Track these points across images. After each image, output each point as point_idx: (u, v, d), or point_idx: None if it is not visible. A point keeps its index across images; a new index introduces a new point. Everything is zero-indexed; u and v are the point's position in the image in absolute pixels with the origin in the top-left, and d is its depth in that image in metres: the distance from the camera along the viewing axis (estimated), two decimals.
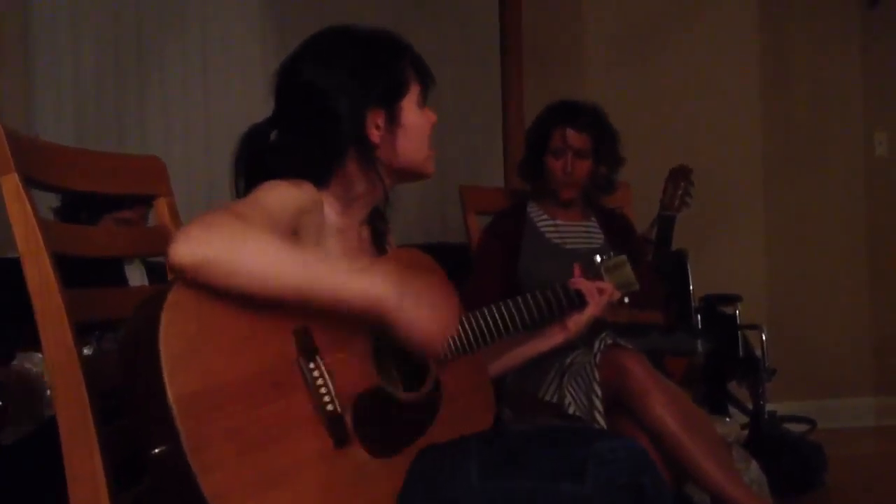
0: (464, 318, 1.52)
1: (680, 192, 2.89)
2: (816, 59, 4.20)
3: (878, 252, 4.24)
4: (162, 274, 2.11)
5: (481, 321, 1.57)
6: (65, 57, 3.46)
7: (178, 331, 1.10)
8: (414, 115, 1.45)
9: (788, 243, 4.16)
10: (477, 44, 3.83)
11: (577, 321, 1.74)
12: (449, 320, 1.26)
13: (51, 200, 2.46)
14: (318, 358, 1.23)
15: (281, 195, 1.33)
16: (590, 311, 1.74)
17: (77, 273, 1.35)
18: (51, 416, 1.95)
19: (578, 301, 1.73)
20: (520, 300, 1.65)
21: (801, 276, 4.16)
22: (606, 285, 1.76)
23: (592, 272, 1.78)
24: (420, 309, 1.22)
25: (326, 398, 1.22)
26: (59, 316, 1.21)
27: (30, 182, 1.23)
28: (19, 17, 3.39)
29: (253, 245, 1.16)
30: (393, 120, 1.42)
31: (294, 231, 1.35)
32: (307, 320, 1.23)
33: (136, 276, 2.58)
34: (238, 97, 3.61)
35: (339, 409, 1.23)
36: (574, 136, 2.46)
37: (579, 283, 1.73)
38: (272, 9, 3.67)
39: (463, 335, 1.51)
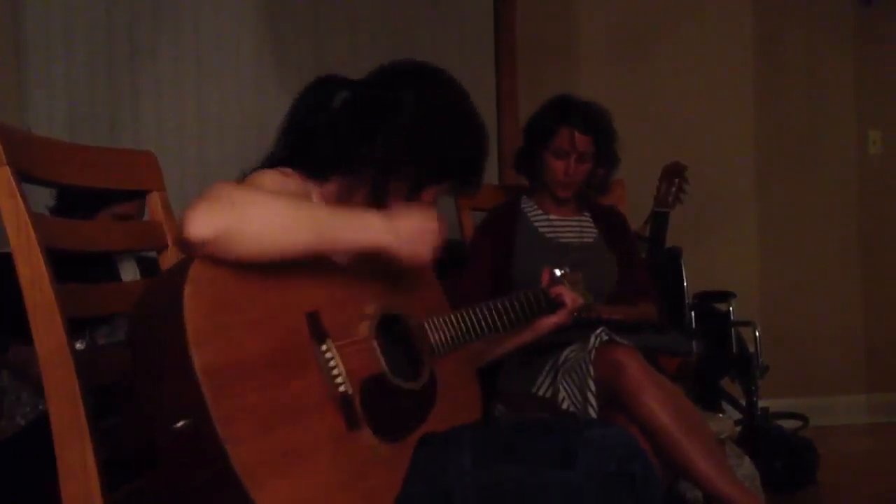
0: (457, 315, 1.55)
1: (674, 188, 2.90)
2: (810, 57, 4.20)
3: (870, 249, 4.25)
4: (154, 268, 2.11)
5: (475, 318, 1.60)
6: (57, 51, 3.44)
7: (201, 304, 1.11)
8: (430, 199, 1.48)
9: (782, 240, 4.17)
10: (471, 41, 3.82)
11: (546, 324, 1.81)
12: (434, 239, 1.36)
13: (46, 200, 2.45)
14: (329, 340, 1.25)
15: (270, 182, 1.36)
16: (559, 318, 1.81)
17: (69, 268, 1.35)
18: (44, 410, 1.95)
19: (554, 307, 1.81)
20: (506, 301, 1.70)
21: (794, 273, 4.17)
22: (580, 301, 1.85)
23: (556, 282, 1.86)
24: (412, 242, 1.32)
25: (339, 379, 1.23)
26: (51, 310, 1.21)
27: (22, 176, 1.23)
28: (11, 11, 3.37)
29: (261, 207, 1.18)
30: (413, 193, 1.45)
31: None
32: (317, 304, 1.25)
33: (128, 271, 2.57)
34: (231, 92, 3.60)
35: (350, 391, 1.24)
36: (581, 140, 2.43)
37: (563, 292, 1.81)
38: (266, 5, 3.66)
39: (456, 331, 1.53)
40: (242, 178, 1.41)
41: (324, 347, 1.24)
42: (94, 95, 3.47)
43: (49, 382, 1.21)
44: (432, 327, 1.48)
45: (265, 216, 1.17)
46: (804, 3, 4.19)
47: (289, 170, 1.43)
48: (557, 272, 1.87)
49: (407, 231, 1.31)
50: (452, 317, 1.53)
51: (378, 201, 1.42)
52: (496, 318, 1.65)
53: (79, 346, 2.13)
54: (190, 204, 1.16)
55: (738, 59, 4.13)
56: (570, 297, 1.81)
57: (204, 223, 1.13)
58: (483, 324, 1.61)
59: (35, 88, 3.41)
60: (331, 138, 1.44)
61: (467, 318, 1.58)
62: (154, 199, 1.58)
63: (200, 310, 1.10)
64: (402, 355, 1.43)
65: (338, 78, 1.49)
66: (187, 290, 1.10)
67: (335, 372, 1.23)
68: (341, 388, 1.23)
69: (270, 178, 1.38)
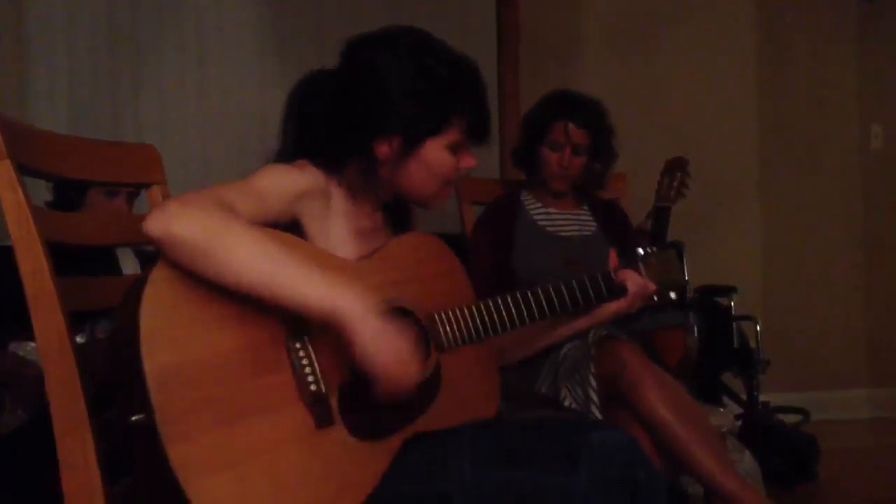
0: (472, 308, 1.48)
1: (676, 183, 2.89)
2: (813, 52, 4.19)
3: (873, 244, 4.25)
4: (154, 263, 2.10)
5: (492, 310, 1.51)
6: (59, 45, 3.44)
7: (157, 305, 1.13)
8: (435, 154, 1.43)
9: (784, 235, 4.16)
10: (473, 35, 3.81)
11: (607, 310, 1.71)
12: (407, 368, 1.23)
13: (45, 195, 2.46)
14: (305, 339, 1.24)
15: (278, 179, 1.33)
16: (623, 304, 1.69)
17: (70, 261, 1.35)
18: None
19: (619, 293, 1.68)
20: (551, 288, 1.58)
21: (796, 267, 4.16)
22: (653, 287, 1.72)
23: (630, 263, 1.72)
24: (381, 344, 1.19)
25: (310, 378, 1.23)
26: (52, 303, 1.21)
27: (23, 169, 1.23)
28: (14, 4, 3.37)
29: (225, 237, 1.16)
30: (408, 149, 1.41)
31: (294, 216, 1.36)
32: None
33: (128, 265, 2.57)
34: (234, 86, 3.60)
35: (323, 389, 1.24)
36: (575, 132, 2.44)
37: (629, 276, 1.68)
38: None
39: (469, 324, 1.46)
40: (279, 160, 1.40)
41: (298, 345, 1.23)
42: (96, 89, 3.47)
43: (49, 376, 1.21)
44: (443, 320, 1.43)
45: (218, 240, 1.15)
46: None
47: (304, 162, 1.41)
48: (641, 251, 1.71)
49: (382, 329, 1.19)
50: (470, 310, 1.47)
51: (369, 177, 1.41)
52: (521, 311, 1.53)
53: (79, 339, 2.13)
54: (165, 200, 1.20)
55: (741, 53, 4.12)
56: (636, 283, 1.67)
57: (162, 224, 1.15)
58: (507, 317, 1.50)
59: (37, 82, 3.41)
60: (330, 128, 1.43)
61: (487, 312, 1.49)
62: (155, 193, 1.58)
63: (155, 309, 1.13)
64: None
65: (319, 72, 1.48)
66: (146, 292, 1.13)
67: (307, 370, 1.23)
68: (312, 387, 1.23)
69: (277, 175, 1.34)
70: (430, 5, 3.73)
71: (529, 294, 1.55)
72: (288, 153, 1.45)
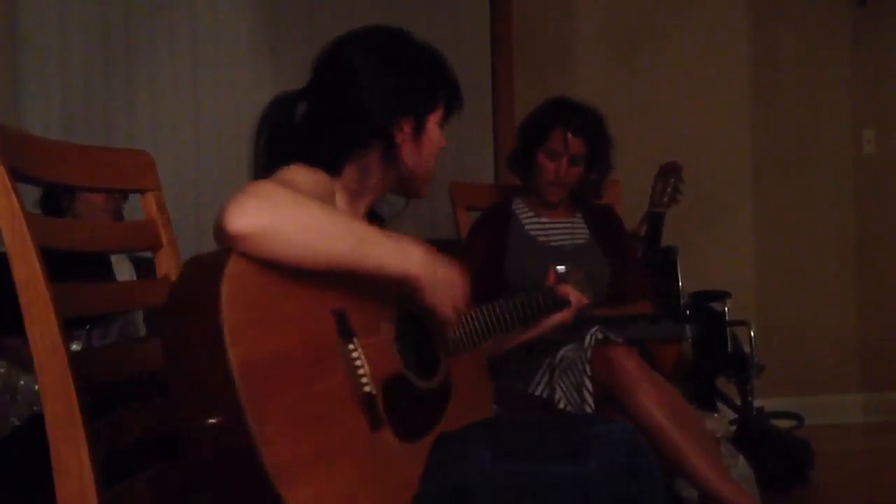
0: (472, 314, 1.58)
1: (669, 188, 2.90)
2: (806, 57, 4.21)
3: (866, 249, 4.26)
4: (149, 269, 2.10)
5: (490, 316, 1.63)
6: (52, 50, 3.44)
7: (238, 301, 1.09)
8: (434, 132, 1.51)
9: (777, 240, 4.17)
10: (468, 39, 3.83)
11: (552, 322, 1.85)
12: (460, 297, 1.38)
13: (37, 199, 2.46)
14: (355, 340, 1.24)
15: (302, 179, 1.35)
16: (563, 316, 1.84)
17: (64, 268, 1.35)
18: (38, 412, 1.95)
19: (561, 305, 1.83)
20: (517, 300, 1.72)
21: (789, 273, 4.17)
22: (586, 300, 1.88)
23: (562, 279, 1.89)
24: (443, 286, 1.33)
25: (364, 379, 1.23)
26: (46, 310, 1.20)
27: (16, 175, 1.22)
28: (7, 9, 3.37)
29: (305, 213, 1.18)
30: (419, 129, 1.47)
31: None
32: (343, 302, 1.25)
33: (123, 271, 2.57)
34: (227, 91, 3.60)
35: (374, 391, 1.24)
36: (573, 142, 2.43)
37: (570, 291, 1.83)
38: (262, 2, 3.66)
39: (472, 330, 1.56)
40: (266, 175, 1.40)
41: (350, 346, 1.23)
42: (90, 93, 3.47)
43: (44, 382, 1.21)
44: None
45: (305, 221, 1.18)
46: (800, 2, 4.20)
47: (313, 168, 1.42)
48: (560, 269, 1.90)
49: (443, 275, 1.34)
50: (470, 316, 1.55)
51: (392, 163, 1.45)
52: (508, 316, 1.68)
53: (75, 347, 2.13)
54: (232, 195, 1.15)
55: (735, 58, 4.13)
56: (576, 296, 1.83)
57: (245, 217, 1.13)
58: (497, 322, 1.64)
59: (30, 86, 3.41)
60: (319, 137, 1.45)
61: (482, 317, 1.60)
62: (149, 199, 1.57)
63: (237, 306, 1.09)
64: (419, 354, 1.43)
65: (284, 92, 1.51)
66: (225, 287, 1.09)
67: (361, 372, 1.23)
68: (366, 389, 1.23)
69: (302, 175, 1.36)
70: (423, 9, 3.74)
71: (513, 304, 1.69)
72: (272, 167, 1.44)
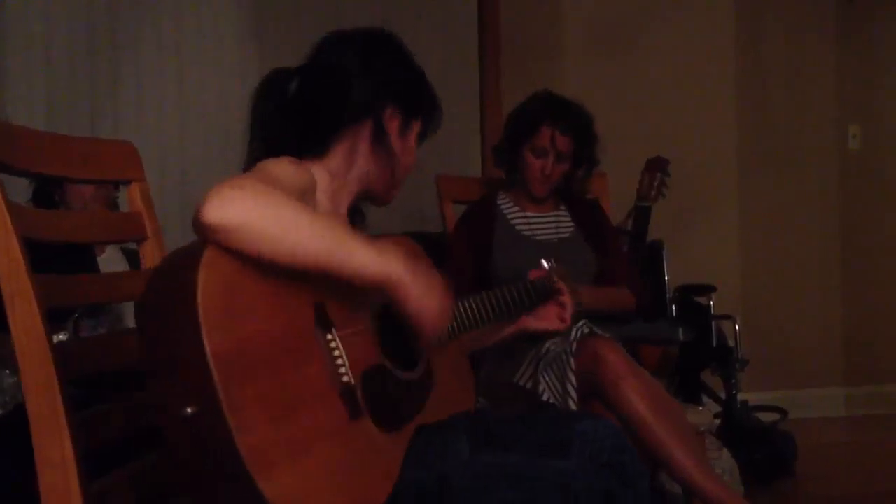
0: (458, 305, 1.58)
1: (656, 182, 2.91)
2: (792, 52, 4.22)
3: (850, 244, 4.28)
4: (136, 261, 2.09)
5: (473, 309, 1.63)
6: (36, 40, 3.41)
7: (214, 290, 1.09)
8: (412, 141, 1.53)
9: (762, 235, 4.19)
10: (455, 34, 3.82)
11: (543, 325, 1.90)
12: (447, 308, 1.34)
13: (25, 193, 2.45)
14: (333, 330, 1.25)
15: (287, 172, 1.34)
16: (556, 327, 1.90)
17: (47, 258, 1.34)
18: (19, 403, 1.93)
19: (551, 294, 1.85)
20: (506, 293, 1.72)
21: (774, 267, 4.20)
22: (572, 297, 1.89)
23: (550, 275, 1.89)
24: (427, 297, 1.29)
25: (342, 369, 1.24)
26: (29, 301, 1.19)
27: None
28: None
29: (285, 213, 1.17)
30: (406, 127, 1.49)
31: None
32: (322, 294, 1.25)
33: (116, 263, 2.56)
34: (213, 81, 3.58)
35: (353, 381, 1.25)
36: (561, 140, 2.43)
37: (564, 288, 1.85)
38: None
39: (455, 322, 1.56)
40: (248, 167, 1.40)
41: (328, 337, 1.24)
42: (74, 84, 3.44)
43: (26, 374, 1.20)
44: None
45: (284, 222, 1.16)
46: None
47: (294, 159, 1.41)
48: (545, 264, 1.89)
49: (426, 283, 1.29)
50: (455, 307, 1.56)
51: (383, 149, 1.46)
52: (494, 309, 1.67)
53: (61, 337, 2.12)
54: (214, 186, 1.14)
55: (721, 53, 4.14)
56: (569, 298, 1.85)
57: (224, 210, 1.12)
58: (481, 315, 1.63)
59: (14, 77, 3.38)
60: (310, 112, 1.46)
61: (466, 309, 1.60)
62: (134, 190, 1.57)
63: (213, 296, 1.08)
64: (400, 345, 1.43)
65: (280, 67, 1.50)
66: (201, 275, 1.08)
67: (339, 362, 1.24)
68: (344, 378, 1.23)
69: (283, 167, 1.35)
70: (411, 3, 3.73)
71: (497, 295, 1.68)
72: (263, 152, 1.45)
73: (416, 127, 1.52)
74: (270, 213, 1.15)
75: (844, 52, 4.26)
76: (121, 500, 1.33)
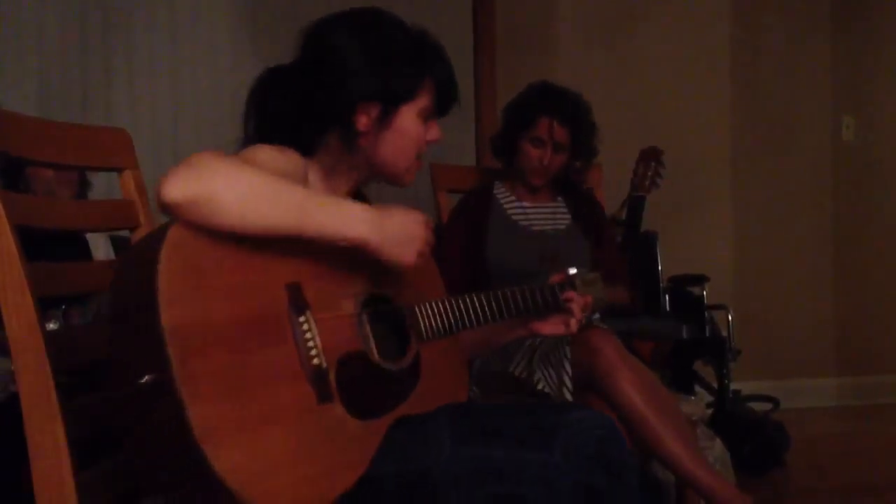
0: (450, 302, 1.53)
1: (650, 173, 2.91)
2: (786, 44, 4.23)
3: (842, 235, 4.30)
4: (126, 247, 2.08)
5: (470, 307, 1.56)
6: (28, 26, 3.38)
7: (175, 267, 1.11)
8: (410, 123, 1.47)
9: (755, 225, 4.20)
10: (450, 23, 3.80)
11: (547, 330, 1.74)
12: (419, 243, 1.35)
13: None
14: (307, 313, 1.24)
15: (268, 157, 1.34)
16: (564, 331, 1.73)
17: (40, 246, 1.33)
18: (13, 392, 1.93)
19: (555, 308, 1.70)
20: (508, 293, 1.63)
21: (767, 257, 4.21)
22: (589, 300, 1.73)
23: (569, 283, 1.73)
24: (397, 246, 1.30)
25: (313, 352, 1.23)
26: (22, 289, 1.19)
27: None
28: None
29: (236, 179, 1.18)
30: (385, 118, 1.45)
31: None
32: (299, 276, 1.25)
33: (101, 250, 2.55)
34: (206, 70, 3.56)
35: (324, 364, 1.24)
36: (559, 130, 2.42)
37: (573, 296, 1.69)
38: None
39: (447, 318, 1.51)
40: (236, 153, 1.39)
41: (301, 319, 1.24)
42: (66, 70, 3.42)
43: (19, 362, 1.20)
44: (423, 312, 1.47)
45: (241, 189, 1.17)
46: None
47: (283, 147, 1.41)
48: (571, 271, 1.75)
49: (393, 231, 1.30)
50: (445, 303, 1.51)
51: (350, 150, 1.44)
52: (492, 308, 1.59)
53: (52, 326, 2.11)
54: (172, 168, 1.16)
55: (715, 44, 4.14)
56: (579, 306, 1.68)
57: (176, 187, 1.14)
58: (478, 314, 1.57)
59: (5, 63, 3.36)
60: (305, 107, 1.44)
61: (461, 307, 1.54)
62: (127, 178, 1.56)
63: (174, 270, 1.11)
64: (388, 336, 1.42)
65: (279, 65, 1.49)
66: (163, 252, 1.11)
67: (310, 344, 1.23)
68: (314, 361, 1.23)
69: (267, 153, 1.36)
70: None
71: (500, 294, 1.62)
72: (256, 141, 1.44)
73: (409, 108, 1.46)
74: (224, 183, 1.16)
75: (839, 43, 4.27)
76: (109, 490, 1.32)
